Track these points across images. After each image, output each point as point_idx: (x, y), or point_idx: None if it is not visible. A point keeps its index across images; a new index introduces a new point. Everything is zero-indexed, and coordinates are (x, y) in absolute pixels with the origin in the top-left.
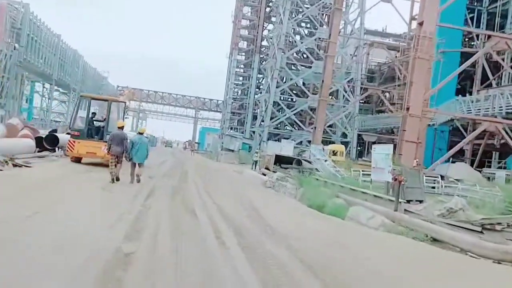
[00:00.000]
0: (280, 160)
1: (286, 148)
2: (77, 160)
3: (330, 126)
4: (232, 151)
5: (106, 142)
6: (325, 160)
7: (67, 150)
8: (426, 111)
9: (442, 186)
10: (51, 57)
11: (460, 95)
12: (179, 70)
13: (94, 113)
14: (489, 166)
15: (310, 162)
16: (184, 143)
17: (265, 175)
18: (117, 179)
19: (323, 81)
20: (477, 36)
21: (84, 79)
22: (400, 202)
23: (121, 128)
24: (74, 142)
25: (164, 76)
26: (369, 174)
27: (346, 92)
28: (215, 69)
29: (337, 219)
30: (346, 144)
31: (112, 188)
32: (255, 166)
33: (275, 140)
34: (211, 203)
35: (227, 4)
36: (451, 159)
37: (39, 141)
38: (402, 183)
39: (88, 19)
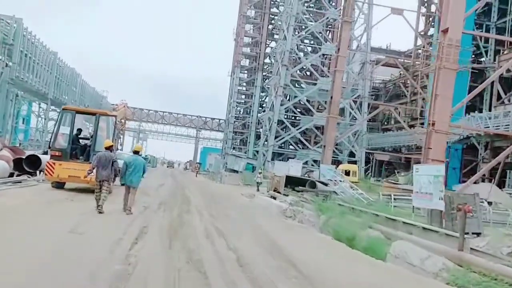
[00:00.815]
0: (291, 182)
1: (294, 169)
2: (59, 185)
3: (336, 144)
4: (236, 171)
5: (89, 163)
6: (341, 181)
7: (46, 174)
8: (452, 126)
9: (490, 212)
10: (46, 75)
11: (470, 112)
12: (180, 90)
13: (79, 130)
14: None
15: (325, 184)
16: (185, 163)
17: (275, 198)
18: (100, 211)
19: (331, 97)
20: (486, 52)
21: (82, 99)
22: (464, 239)
23: (109, 148)
24: (54, 164)
25: (164, 95)
26: (405, 200)
27: (353, 109)
28: (216, 88)
29: (388, 264)
30: (353, 163)
31: (90, 224)
32: (258, 188)
33: (280, 160)
34: (225, 250)
35: (229, 22)
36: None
37: (19, 164)
38: (471, 214)
39: (86, 35)
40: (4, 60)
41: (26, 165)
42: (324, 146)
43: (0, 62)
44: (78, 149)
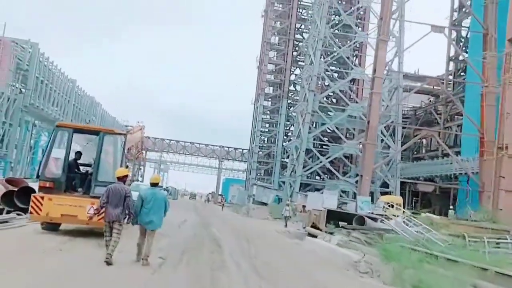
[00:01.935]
0: (333, 217)
1: (329, 201)
2: (53, 227)
3: None
4: (265, 204)
5: (93, 197)
6: (397, 216)
7: (31, 212)
8: None
9: None
10: (64, 103)
11: None
12: (202, 120)
13: (78, 154)
14: None
15: (374, 220)
16: (207, 195)
17: (315, 236)
18: (108, 262)
19: (368, 122)
20: None
21: None
22: None
23: (122, 179)
24: (42, 198)
25: (186, 126)
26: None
27: (385, 136)
28: (239, 117)
29: None
30: (386, 194)
31: None
32: (286, 223)
33: (306, 191)
34: None
35: (252, 50)
36: None
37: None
38: None
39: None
40: (18, 87)
41: (18, 200)
42: (361, 175)
43: (14, 89)
44: (77, 179)
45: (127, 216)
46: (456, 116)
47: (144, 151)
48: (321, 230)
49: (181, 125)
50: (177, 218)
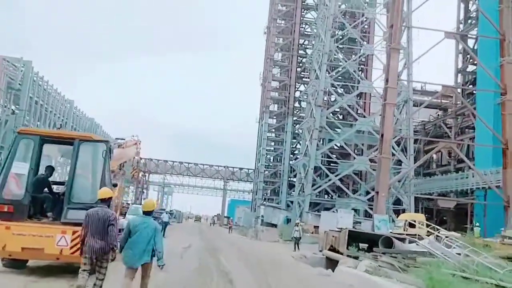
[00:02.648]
0: (354, 238)
1: (344, 220)
2: (17, 264)
3: (373, 189)
4: (274, 225)
5: (66, 224)
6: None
7: None
8: None
9: None
10: (61, 125)
11: None
12: (205, 141)
13: (50, 168)
14: None
15: (402, 240)
16: (213, 217)
17: (336, 262)
18: None
19: (382, 135)
20: None
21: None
22: None
23: (106, 201)
24: None
25: (189, 147)
26: None
27: (396, 151)
28: (243, 136)
29: None
30: (399, 212)
31: None
32: (297, 246)
33: (315, 211)
34: None
35: (254, 67)
36: None
37: None
38: None
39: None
40: (9, 107)
41: None
42: (376, 192)
43: (5, 109)
44: (47, 201)
45: (112, 247)
46: (467, 130)
47: (146, 173)
48: (341, 253)
49: (184, 147)
50: (180, 243)
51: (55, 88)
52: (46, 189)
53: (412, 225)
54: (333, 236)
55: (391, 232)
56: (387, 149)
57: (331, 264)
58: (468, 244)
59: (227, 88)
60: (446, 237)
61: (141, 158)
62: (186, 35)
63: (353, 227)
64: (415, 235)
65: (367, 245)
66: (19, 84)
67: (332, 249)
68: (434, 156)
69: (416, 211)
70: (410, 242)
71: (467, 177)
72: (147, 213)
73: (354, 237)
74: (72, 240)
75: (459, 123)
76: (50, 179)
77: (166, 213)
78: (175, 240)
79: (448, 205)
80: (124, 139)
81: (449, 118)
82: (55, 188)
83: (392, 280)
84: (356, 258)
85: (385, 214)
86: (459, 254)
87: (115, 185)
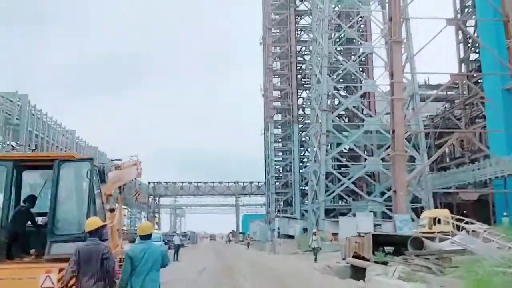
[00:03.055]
0: (379, 242)
1: (364, 224)
2: None
3: (389, 189)
4: (291, 237)
5: (51, 261)
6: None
7: None
8: None
9: None
10: None
11: None
12: (212, 160)
13: (31, 198)
14: None
15: (432, 240)
16: (228, 235)
17: (363, 270)
18: None
19: (393, 131)
20: None
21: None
22: None
23: (97, 232)
24: None
25: (197, 168)
26: None
27: (408, 148)
28: (250, 150)
29: None
30: (417, 210)
31: None
32: (316, 257)
33: (330, 217)
34: None
35: (254, 79)
36: None
37: None
38: None
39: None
40: (9, 143)
41: None
42: (394, 191)
43: (5, 146)
44: (31, 236)
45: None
46: (477, 120)
47: (156, 197)
48: (367, 260)
49: (193, 169)
50: (194, 266)
51: (54, 120)
52: (29, 222)
53: (437, 222)
54: (355, 242)
55: (414, 232)
56: (400, 145)
57: (357, 272)
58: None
59: (229, 105)
60: (484, 230)
61: (149, 183)
62: (179, 59)
63: (374, 230)
64: (447, 232)
65: (392, 248)
66: (16, 119)
67: (357, 256)
68: (446, 150)
69: (435, 207)
70: (440, 240)
71: (484, 167)
72: (144, 237)
73: (379, 241)
74: (59, 280)
75: (468, 114)
76: (34, 209)
77: (178, 235)
78: (189, 263)
79: (470, 197)
80: (120, 159)
81: (457, 109)
82: (39, 220)
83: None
84: (385, 263)
85: (406, 214)
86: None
87: (112, 210)
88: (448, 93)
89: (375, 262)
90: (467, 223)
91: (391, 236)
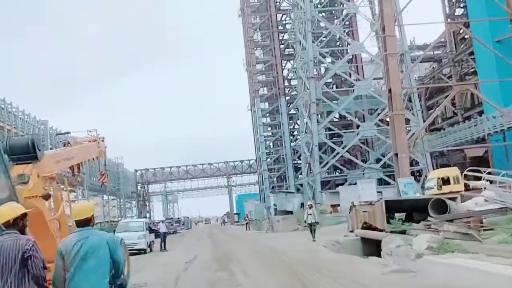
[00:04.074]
0: (391, 209)
1: (367, 192)
2: None
3: (383, 155)
4: (289, 212)
5: None
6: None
7: None
8: None
9: None
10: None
11: None
12: (199, 142)
13: None
14: None
15: (453, 200)
16: (222, 217)
17: (378, 242)
18: None
19: (390, 90)
20: None
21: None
22: None
23: (14, 224)
24: None
25: (186, 151)
26: None
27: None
28: (238, 128)
29: None
30: (413, 173)
31: None
32: (314, 234)
33: (326, 190)
34: None
35: (235, 55)
36: None
37: None
38: None
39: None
40: None
41: None
42: (395, 154)
43: None
44: None
45: None
46: (467, 77)
47: (145, 185)
48: (382, 230)
49: (183, 154)
50: (182, 256)
51: (22, 110)
52: None
53: (446, 181)
54: (364, 212)
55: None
56: (398, 104)
57: (369, 245)
58: None
59: (214, 86)
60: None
61: (136, 170)
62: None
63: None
64: (458, 192)
65: (404, 215)
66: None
67: (367, 226)
68: (438, 110)
69: (433, 169)
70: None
71: (481, 123)
72: (82, 223)
73: (389, 208)
74: None
75: (459, 71)
76: None
77: (163, 222)
78: (178, 252)
79: (476, 153)
80: (69, 133)
81: (446, 67)
82: None
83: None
84: (402, 233)
85: (410, 177)
86: None
87: (46, 197)
88: (435, 52)
89: (392, 231)
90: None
91: (406, 201)
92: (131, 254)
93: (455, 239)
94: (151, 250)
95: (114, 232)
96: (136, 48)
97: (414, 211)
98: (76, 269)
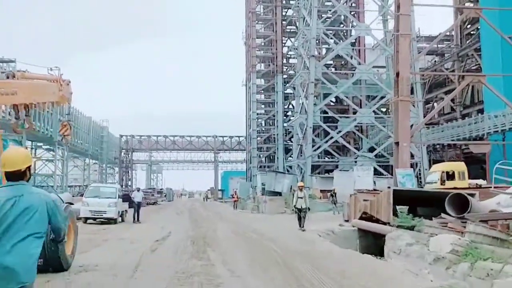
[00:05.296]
0: (400, 200)
1: (363, 180)
2: None
3: (377, 144)
4: (279, 194)
5: None
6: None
7: None
8: None
9: None
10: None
11: None
12: (190, 114)
13: None
14: None
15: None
16: (206, 192)
17: (381, 236)
18: None
19: (397, 74)
20: None
21: (77, 130)
22: None
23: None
24: None
25: (175, 123)
26: None
27: None
28: (231, 103)
29: None
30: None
31: None
32: (303, 221)
33: (317, 174)
34: None
35: (235, 26)
36: None
37: None
38: None
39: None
40: None
41: None
42: (396, 143)
43: None
44: None
45: None
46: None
47: (129, 151)
48: (386, 223)
49: (173, 128)
50: (154, 232)
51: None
52: None
53: (450, 176)
54: (365, 200)
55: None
56: (405, 89)
57: (367, 238)
58: None
59: (210, 57)
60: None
61: (121, 136)
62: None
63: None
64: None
65: (406, 208)
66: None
67: (367, 217)
68: (436, 105)
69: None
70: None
71: (482, 121)
72: (13, 176)
73: (402, 199)
74: None
75: (463, 66)
76: None
77: (139, 190)
78: (151, 226)
79: (481, 150)
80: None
81: (450, 61)
82: None
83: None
84: (410, 228)
85: (409, 168)
86: None
87: None
88: (439, 46)
89: (399, 226)
90: None
91: (418, 192)
92: (100, 223)
93: (483, 243)
94: (122, 221)
95: (83, 196)
96: (129, 17)
97: (417, 205)
98: (3, 233)
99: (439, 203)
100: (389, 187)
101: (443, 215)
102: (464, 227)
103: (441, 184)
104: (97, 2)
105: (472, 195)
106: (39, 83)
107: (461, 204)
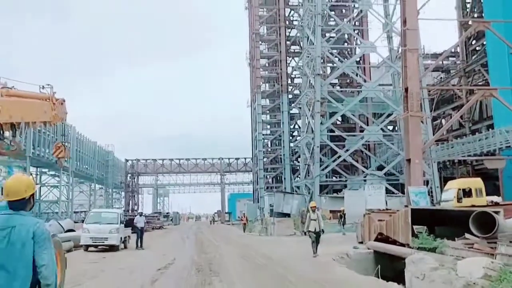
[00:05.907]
0: (419, 220)
1: (375, 199)
2: None
3: (386, 162)
4: (288, 215)
5: None
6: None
7: None
8: None
9: None
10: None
11: None
12: (196, 137)
13: None
14: None
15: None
16: (213, 215)
17: (401, 259)
18: None
19: (406, 89)
20: None
21: (81, 155)
22: None
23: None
24: None
25: (181, 148)
26: None
27: None
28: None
29: None
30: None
31: None
32: (316, 246)
33: (325, 193)
34: None
35: (239, 48)
36: None
37: None
38: None
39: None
40: None
41: None
42: (407, 160)
43: None
44: None
45: None
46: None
47: (135, 176)
48: (404, 245)
49: (177, 148)
50: (157, 261)
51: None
52: None
53: (467, 193)
54: (379, 220)
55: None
56: (415, 105)
57: (384, 261)
58: None
59: (215, 78)
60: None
61: (127, 160)
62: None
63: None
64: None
65: (425, 228)
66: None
67: (383, 238)
68: (443, 121)
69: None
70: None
71: (493, 136)
72: (17, 204)
73: (420, 218)
74: None
75: (470, 82)
76: None
77: (141, 215)
78: (154, 253)
79: (496, 165)
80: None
81: (456, 77)
82: None
83: None
84: (432, 250)
85: (423, 186)
86: None
87: None
88: (444, 62)
89: (420, 248)
90: None
91: (437, 211)
92: (102, 251)
93: None
94: (125, 247)
95: (83, 223)
96: (134, 41)
97: (434, 224)
98: None
99: (457, 222)
100: (406, 206)
101: (467, 235)
102: (492, 248)
103: (458, 201)
104: (93, 26)
105: (497, 212)
106: (28, 102)
107: (485, 223)
